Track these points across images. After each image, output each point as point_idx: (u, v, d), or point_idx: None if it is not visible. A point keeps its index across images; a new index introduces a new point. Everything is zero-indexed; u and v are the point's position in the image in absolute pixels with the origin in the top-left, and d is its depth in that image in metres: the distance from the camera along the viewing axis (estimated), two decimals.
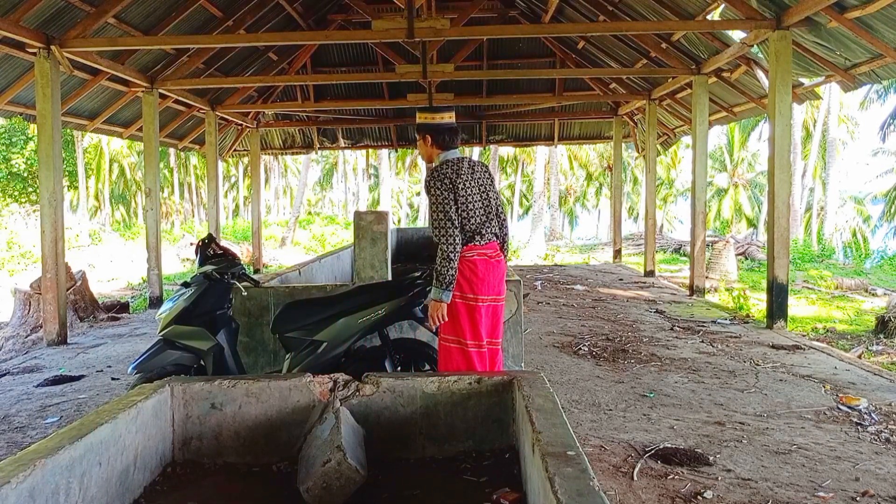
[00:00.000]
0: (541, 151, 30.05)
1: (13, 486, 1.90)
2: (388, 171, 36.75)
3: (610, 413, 4.61)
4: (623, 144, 16.67)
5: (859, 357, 7.24)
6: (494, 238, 3.73)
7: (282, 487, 2.66)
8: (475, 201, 3.65)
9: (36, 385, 5.86)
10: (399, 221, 46.09)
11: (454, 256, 3.52)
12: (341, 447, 2.42)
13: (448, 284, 3.51)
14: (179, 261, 20.09)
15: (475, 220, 3.64)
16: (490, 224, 3.71)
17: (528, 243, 27.35)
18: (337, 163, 47.88)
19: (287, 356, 3.91)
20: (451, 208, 3.56)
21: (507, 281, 4.65)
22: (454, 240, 3.52)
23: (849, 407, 4.67)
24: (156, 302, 10.38)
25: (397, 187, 47.05)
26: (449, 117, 3.79)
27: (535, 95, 15.33)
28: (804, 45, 7.89)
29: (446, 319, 3.57)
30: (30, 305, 8.92)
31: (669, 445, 3.95)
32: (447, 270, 3.51)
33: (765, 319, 7.94)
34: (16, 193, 26.62)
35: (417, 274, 4.11)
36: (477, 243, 3.63)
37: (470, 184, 3.65)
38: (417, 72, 10.74)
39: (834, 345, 7.87)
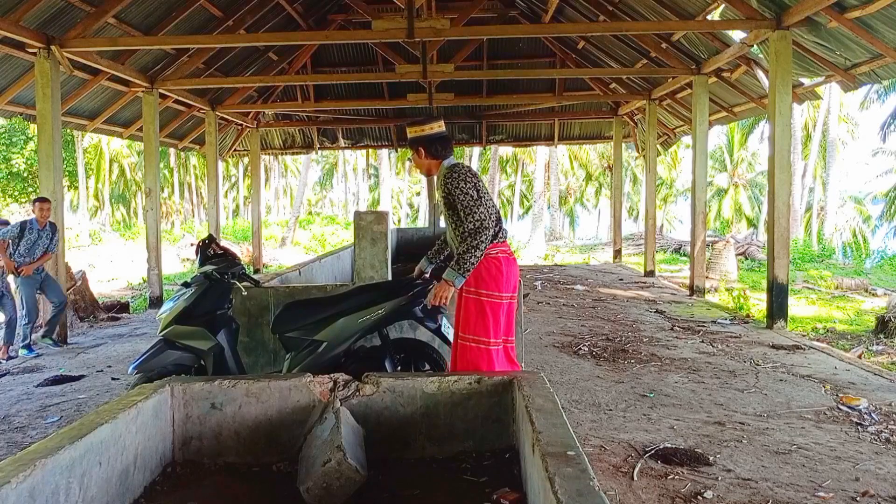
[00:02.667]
0: (541, 151, 30.05)
1: (13, 486, 1.90)
2: (388, 171, 36.74)
3: (610, 413, 4.61)
4: (623, 144, 16.68)
5: (859, 357, 7.23)
6: (505, 237, 3.75)
7: (282, 487, 2.66)
8: (489, 200, 3.66)
9: (36, 385, 5.86)
10: (399, 221, 46.08)
11: (483, 247, 3.47)
12: (341, 447, 2.42)
13: (467, 272, 3.46)
14: (179, 261, 20.10)
15: (495, 218, 3.64)
16: (501, 223, 3.72)
17: (528, 243, 27.34)
18: (337, 163, 47.87)
19: (287, 356, 3.92)
20: (482, 202, 3.53)
21: None
22: (489, 231, 3.49)
23: (849, 407, 4.67)
24: (156, 302, 10.39)
25: (397, 187, 47.05)
26: (438, 127, 3.74)
27: (535, 95, 15.32)
28: (804, 45, 7.89)
29: (447, 303, 3.53)
30: None
31: (669, 445, 3.95)
32: (472, 258, 3.45)
33: (765, 319, 7.94)
34: (16, 193, 26.62)
35: None
36: (499, 241, 3.64)
37: (482, 185, 3.67)
38: (417, 72, 10.74)
39: (834, 345, 7.87)
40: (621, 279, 12.58)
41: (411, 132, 3.76)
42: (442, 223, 13.74)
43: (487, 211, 3.54)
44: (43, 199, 7.61)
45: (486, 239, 3.46)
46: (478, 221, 3.46)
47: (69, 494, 2.14)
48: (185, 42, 9.89)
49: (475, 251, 3.44)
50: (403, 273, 4.66)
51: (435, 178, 3.83)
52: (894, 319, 8.73)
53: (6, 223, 8.02)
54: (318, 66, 14.66)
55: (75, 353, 7.25)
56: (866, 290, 13.70)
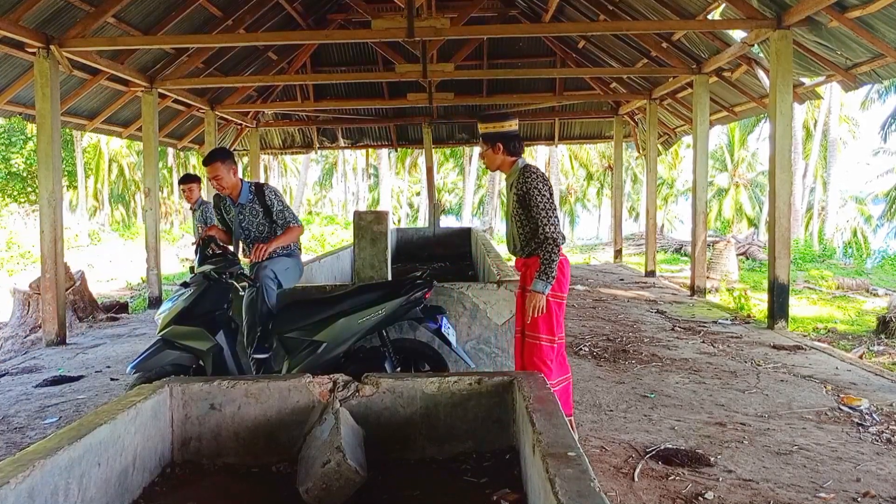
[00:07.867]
0: (541, 151, 30.06)
1: (12, 487, 1.89)
2: (388, 170, 36.76)
3: (611, 414, 4.60)
4: (624, 144, 16.66)
5: (860, 357, 7.22)
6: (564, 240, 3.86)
7: (281, 488, 2.65)
8: (555, 203, 3.78)
9: (35, 385, 5.84)
10: (399, 221, 46.06)
11: (559, 252, 3.63)
12: (341, 448, 2.41)
13: (552, 278, 3.61)
14: (179, 261, 20.08)
15: (559, 221, 3.76)
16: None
17: None
18: (337, 162, 47.81)
19: (286, 356, 3.91)
20: (553, 206, 3.69)
21: (506, 281, 4.66)
22: (560, 237, 3.63)
23: (850, 407, 4.66)
24: (155, 302, 10.37)
25: (397, 187, 47.02)
26: (515, 124, 3.83)
27: (535, 95, 15.31)
28: (805, 44, 7.88)
29: (545, 312, 3.63)
30: (29, 305, 8.91)
31: (670, 446, 3.94)
32: (554, 265, 3.60)
33: (766, 320, 7.92)
34: (15, 193, 26.62)
35: (417, 274, 4.11)
36: (561, 243, 3.75)
37: (551, 188, 3.77)
38: (417, 71, 10.73)
39: (835, 345, 7.85)
40: (622, 279, 12.57)
41: (488, 127, 3.82)
42: (442, 223, 13.76)
43: (557, 216, 3.71)
44: (188, 178, 6.83)
45: (559, 244, 3.62)
46: (554, 227, 3.61)
47: (68, 495, 2.13)
48: (184, 42, 9.87)
49: (556, 257, 3.60)
50: (403, 273, 4.65)
51: (504, 174, 3.92)
52: (895, 319, 8.72)
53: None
54: (317, 65, 14.65)
55: (74, 353, 7.23)
56: (867, 291, 13.68)
